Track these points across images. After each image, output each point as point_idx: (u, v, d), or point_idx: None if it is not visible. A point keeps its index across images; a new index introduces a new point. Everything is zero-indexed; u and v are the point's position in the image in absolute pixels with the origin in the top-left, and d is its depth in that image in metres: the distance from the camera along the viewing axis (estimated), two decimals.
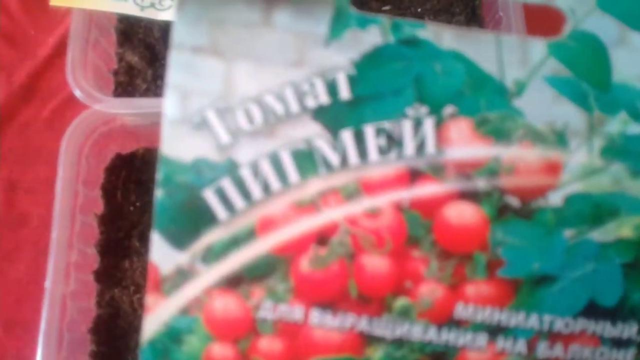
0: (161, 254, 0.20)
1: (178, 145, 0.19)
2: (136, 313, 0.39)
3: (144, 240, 0.42)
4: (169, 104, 0.19)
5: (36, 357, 0.35)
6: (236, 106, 0.19)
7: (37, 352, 0.35)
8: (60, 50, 0.46)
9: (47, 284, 0.36)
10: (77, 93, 0.39)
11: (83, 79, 0.39)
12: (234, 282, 0.20)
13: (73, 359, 0.36)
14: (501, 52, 0.19)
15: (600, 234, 0.19)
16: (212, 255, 0.20)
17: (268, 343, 0.20)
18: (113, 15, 0.46)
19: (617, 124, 0.19)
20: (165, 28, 0.46)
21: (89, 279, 0.40)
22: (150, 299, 0.20)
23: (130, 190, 0.43)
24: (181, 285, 0.20)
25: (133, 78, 0.46)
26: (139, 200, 0.43)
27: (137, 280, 0.40)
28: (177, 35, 0.19)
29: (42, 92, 0.48)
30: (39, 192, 0.45)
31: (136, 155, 0.44)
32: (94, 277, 0.40)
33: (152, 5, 0.41)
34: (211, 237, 0.20)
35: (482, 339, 0.20)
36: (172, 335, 0.20)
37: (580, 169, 0.19)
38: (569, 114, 0.19)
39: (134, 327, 0.39)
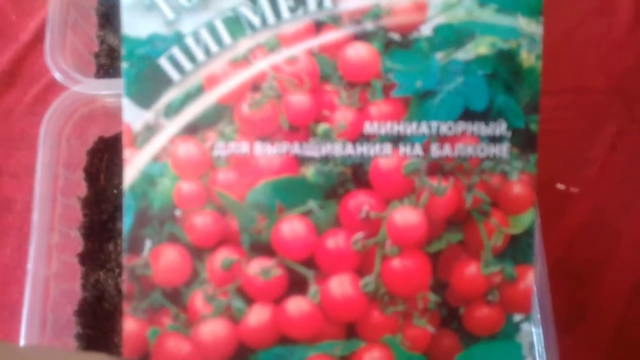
0: (131, 115, 0.25)
1: (134, 25, 0.25)
2: (121, 295, 0.34)
3: None
4: None
5: (19, 338, 0.34)
6: None
7: (20, 333, 0.34)
8: (42, 35, 0.44)
9: (29, 265, 0.36)
10: (57, 75, 0.38)
11: (62, 61, 0.39)
12: (191, 130, 0.25)
13: (58, 340, 0.36)
14: None
15: (463, 54, 0.25)
16: (172, 110, 0.25)
17: (224, 175, 0.25)
18: None
19: None
20: None
21: (72, 261, 0.40)
22: (127, 153, 0.25)
23: (114, 173, 0.43)
24: (150, 138, 0.25)
25: (114, 60, 0.45)
26: (122, 182, 0.44)
27: (121, 262, 0.35)
28: None
29: (24, 77, 0.47)
30: (22, 177, 0.45)
31: (119, 138, 0.42)
32: (78, 259, 0.40)
33: None
34: (169, 95, 0.25)
35: (387, 147, 0.25)
36: (147, 179, 0.25)
37: (440, 5, 0.25)
38: None
39: (120, 310, 0.37)
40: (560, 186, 0.44)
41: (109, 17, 0.45)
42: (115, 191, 0.42)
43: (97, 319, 0.38)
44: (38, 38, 0.47)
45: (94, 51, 0.45)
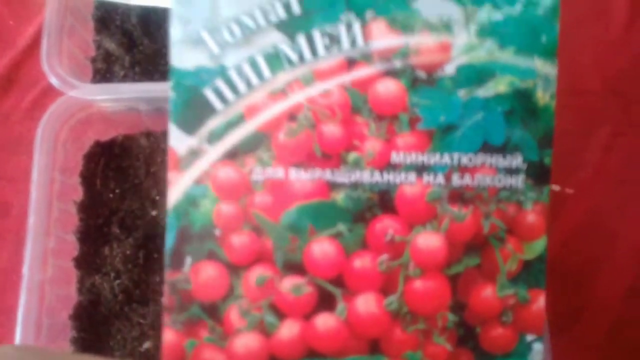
0: (177, 140, 0.27)
1: (182, 58, 0.27)
2: (117, 299, 0.38)
3: (124, 227, 0.41)
4: (174, 30, 0.27)
5: (15, 342, 0.34)
6: (221, 26, 0.27)
7: (15, 338, 0.34)
8: (39, 40, 0.43)
9: (25, 270, 0.35)
10: (53, 80, 0.38)
11: (59, 66, 0.38)
12: (232, 155, 0.27)
13: (53, 345, 0.35)
14: None
15: (483, 91, 0.27)
16: (214, 137, 0.27)
17: (261, 198, 0.27)
18: (90, 2, 0.45)
19: (485, 13, 0.27)
20: (142, 14, 0.45)
21: (68, 265, 0.39)
22: (171, 175, 0.27)
23: (110, 177, 0.42)
24: (193, 162, 0.27)
25: (111, 65, 0.44)
26: (119, 187, 0.42)
27: (117, 266, 0.39)
28: None
29: (21, 82, 0.47)
30: (19, 181, 0.44)
31: (115, 142, 0.43)
32: (73, 263, 0.39)
33: None
34: (212, 123, 0.27)
35: (412, 176, 0.27)
36: (190, 200, 0.27)
37: (463, 47, 0.27)
38: (451, 9, 0.27)
39: (115, 313, 0.38)
40: (556, 187, 0.43)
41: (105, 21, 0.46)
42: (111, 195, 0.42)
43: (93, 323, 0.38)
44: (35, 43, 0.47)
45: (91, 56, 0.45)
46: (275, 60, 0.27)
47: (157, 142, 0.44)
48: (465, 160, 0.27)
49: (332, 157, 0.27)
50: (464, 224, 0.27)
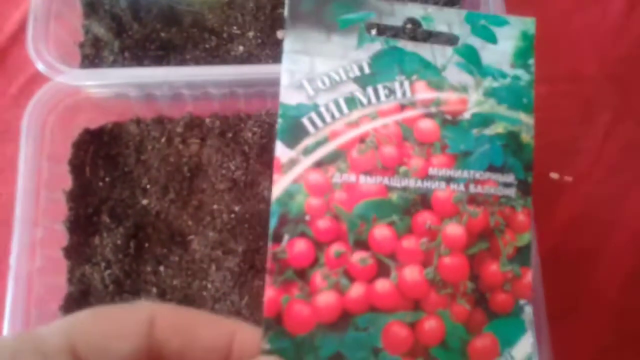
0: (281, 152, 0.38)
1: (288, 97, 0.39)
2: (107, 289, 0.36)
3: (114, 216, 0.39)
4: (284, 78, 0.39)
5: (3, 334, 0.32)
6: (316, 78, 0.39)
7: (3, 329, 0.32)
8: (26, 25, 0.41)
9: (12, 261, 0.33)
10: (39, 66, 0.36)
11: (46, 51, 0.37)
12: (319, 164, 0.39)
13: None
14: (434, 52, 0.41)
15: (489, 131, 0.40)
16: (307, 151, 0.39)
17: (339, 195, 0.38)
18: None
19: (488, 82, 0.41)
20: None
21: (58, 255, 0.37)
22: (276, 176, 0.38)
23: (99, 165, 0.41)
24: (292, 168, 0.38)
25: (100, 50, 0.42)
26: (109, 175, 0.40)
27: (107, 256, 0.37)
28: (287, 46, 0.39)
29: (8, 69, 0.45)
30: (7, 170, 0.43)
31: (104, 130, 0.41)
32: (63, 253, 0.38)
33: None
34: (306, 142, 0.39)
35: (443, 184, 0.39)
36: (288, 195, 0.38)
37: (475, 102, 0.41)
38: (466, 78, 0.41)
39: (106, 304, 0.36)
40: (554, 175, 0.43)
41: (94, 6, 0.44)
42: (100, 184, 0.40)
43: None
44: (22, 29, 0.45)
45: (79, 41, 0.43)
46: (351, 102, 0.40)
47: (147, 129, 0.42)
48: (477, 175, 0.40)
49: (389, 169, 0.39)
50: (478, 219, 0.39)
